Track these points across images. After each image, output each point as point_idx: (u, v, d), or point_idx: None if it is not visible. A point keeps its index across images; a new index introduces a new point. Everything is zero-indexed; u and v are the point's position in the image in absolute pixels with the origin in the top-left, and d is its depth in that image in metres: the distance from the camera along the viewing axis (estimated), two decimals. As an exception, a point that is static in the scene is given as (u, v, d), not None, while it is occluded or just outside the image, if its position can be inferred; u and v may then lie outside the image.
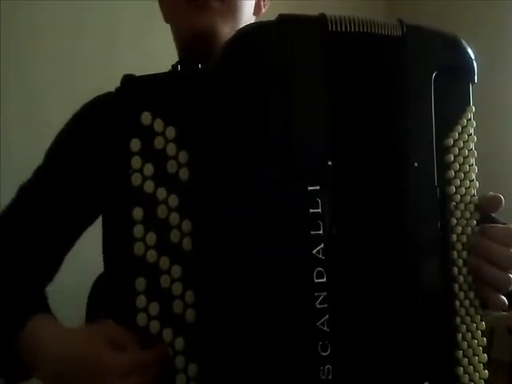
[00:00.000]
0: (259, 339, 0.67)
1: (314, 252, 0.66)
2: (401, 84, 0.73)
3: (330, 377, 0.65)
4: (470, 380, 0.76)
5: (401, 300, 0.72)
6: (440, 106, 0.74)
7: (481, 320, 0.76)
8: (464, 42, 0.77)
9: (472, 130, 0.77)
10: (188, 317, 0.67)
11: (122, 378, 0.63)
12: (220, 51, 0.71)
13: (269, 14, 0.70)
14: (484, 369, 0.76)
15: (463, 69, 0.77)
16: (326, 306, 0.66)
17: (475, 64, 0.77)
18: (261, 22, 0.70)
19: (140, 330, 0.64)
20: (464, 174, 0.76)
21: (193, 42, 0.87)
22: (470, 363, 0.76)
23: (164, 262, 0.66)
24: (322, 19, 0.70)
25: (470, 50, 0.77)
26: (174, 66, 0.72)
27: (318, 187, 0.67)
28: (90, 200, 0.88)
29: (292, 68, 0.68)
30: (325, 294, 0.66)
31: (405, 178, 0.72)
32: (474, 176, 0.77)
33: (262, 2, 0.97)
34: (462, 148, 0.76)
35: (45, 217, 0.86)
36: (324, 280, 0.66)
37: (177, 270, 0.66)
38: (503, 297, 0.75)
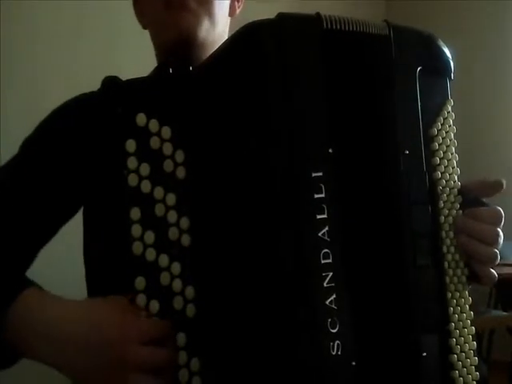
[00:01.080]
0: (264, 328, 0.68)
1: (319, 234, 0.69)
2: (390, 78, 0.78)
3: (339, 352, 0.68)
4: (462, 351, 0.80)
5: (397, 274, 0.76)
6: (423, 99, 0.80)
7: (468, 296, 0.82)
8: (441, 42, 0.84)
9: (451, 122, 0.83)
10: (188, 312, 0.68)
11: (145, 347, 0.64)
12: (220, 49, 0.73)
13: (269, 14, 0.71)
14: (472, 340, 0.82)
15: (442, 66, 0.83)
16: (332, 284, 0.69)
17: (452, 62, 0.84)
18: (261, 20, 0.71)
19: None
20: (447, 161, 0.82)
21: (174, 45, 0.86)
22: (460, 335, 0.80)
23: (163, 259, 0.67)
24: (317, 18, 0.73)
25: (447, 50, 0.84)
26: (161, 67, 0.72)
27: (320, 173, 0.70)
28: (66, 194, 0.85)
29: (291, 62, 0.71)
30: (331, 273, 0.69)
31: (398, 164, 0.77)
32: (455, 163, 0.82)
33: (236, 4, 0.97)
34: (445, 137, 0.82)
35: (17, 210, 0.82)
36: (330, 260, 0.69)
37: (176, 267, 0.68)
38: (493, 270, 0.81)
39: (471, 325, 0.82)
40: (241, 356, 0.69)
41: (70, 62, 2.79)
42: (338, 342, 0.68)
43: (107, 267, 0.70)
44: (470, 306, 0.82)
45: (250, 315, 0.69)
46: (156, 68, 0.72)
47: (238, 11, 0.98)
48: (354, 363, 0.69)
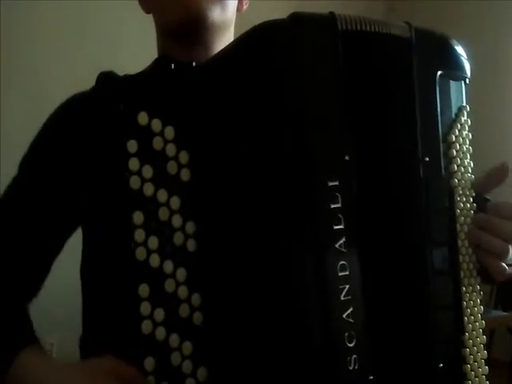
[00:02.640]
0: (275, 338, 0.66)
1: (336, 246, 0.66)
2: (410, 83, 0.75)
3: (356, 367, 0.66)
4: (474, 361, 0.80)
5: (415, 285, 0.74)
6: (441, 104, 0.78)
7: (480, 304, 0.81)
8: (459, 46, 0.82)
9: (468, 128, 0.82)
10: (195, 320, 0.65)
11: None
12: (230, 47, 0.71)
13: (270, 14, 0.69)
14: (484, 349, 0.81)
15: (460, 71, 0.82)
16: (349, 297, 0.66)
17: (469, 67, 0.82)
18: (274, 19, 0.68)
19: (144, 339, 0.62)
20: (463, 168, 0.80)
21: (181, 26, 0.83)
22: (473, 345, 0.80)
23: (168, 265, 0.64)
24: (331, 18, 0.70)
25: (464, 54, 0.82)
26: (161, 61, 0.69)
27: (337, 182, 0.67)
28: (76, 204, 0.82)
29: (306, 65, 0.68)
30: (348, 286, 0.66)
31: (417, 171, 0.75)
32: (470, 170, 0.81)
33: (243, 0, 0.95)
34: (462, 144, 0.80)
35: (27, 226, 0.81)
36: (347, 273, 0.66)
37: (182, 273, 0.65)
38: (504, 264, 0.79)
39: (483, 334, 0.81)
40: (250, 367, 0.66)
41: (70, 62, 2.78)
42: (354, 356, 0.66)
43: (108, 275, 0.67)
44: (481, 315, 0.81)
45: (260, 324, 0.66)
46: (155, 61, 0.69)
47: (245, 7, 0.95)
48: (371, 377, 0.67)
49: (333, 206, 0.66)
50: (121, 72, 0.69)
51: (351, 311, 0.66)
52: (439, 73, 0.78)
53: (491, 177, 0.82)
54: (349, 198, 0.67)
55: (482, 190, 0.82)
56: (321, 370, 0.65)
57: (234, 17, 0.91)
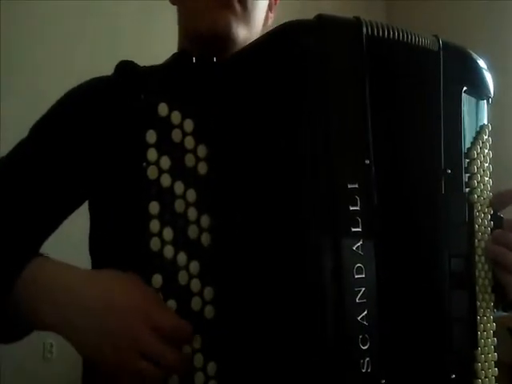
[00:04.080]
0: (288, 336, 0.65)
1: (354, 248, 0.66)
2: (437, 94, 0.75)
3: (369, 369, 0.65)
4: (485, 377, 0.80)
5: (431, 293, 0.74)
6: (465, 119, 0.79)
7: (493, 322, 0.83)
8: (485, 64, 0.83)
9: (489, 146, 0.82)
10: (207, 314, 0.65)
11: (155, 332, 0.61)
12: (255, 45, 0.71)
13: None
14: (495, 366, 0.81)
15: (484, 88, 0.83)
16: (364, 300, 0.66)
17: (492, 86, 0.83)
18: (300, 20, 0.69)
19: None
20: (483, 185, 0.81)
21: (206, 38, 0.84)
22: (485, 360, 0.80)
23: (182, 257, 0.64)
24: (357, 22, 0.71)
25: (488, 72, 0.83)
26: (181, 55, 0.69)
27: (356, 185, 0.67)
28: (78, 182, 0.80)
29: (330, 67, 0.68)
30: (363, 289, 0.66)
31: (439, 182, 0.74)
32: (489, 187, 0.82)
33: (269, 15, 0.96)
34: (482, 161, 0.81)
35: (27, 193, 0.78)
36: (363, 276, 0.66)
37: (195, 266, 0.65)
38: None
39: (495, 351, 0.81)
40: (261, 364, 0.65)
41: (71, 62, 2.80)
42: (368, 358, 0.65)
43: (119, 264, 0.66)
44: (494, 332, 0.81)
45: (273, 321, 0.66)
46: (175, 54, 0.69)
47: (270, 21, 0.96)
48: (383, 381, 0.67)
49: (352, 209, 0.66)
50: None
51: (366, 314, 0.66)
52: (464, 88, 0.78)
53: (504, 196, 0.82)
54: (368, 201, 0.67)
55: (495, 207, 0.82)
56: (333, 371, 0.64)
57: (259, 32, 0.91)
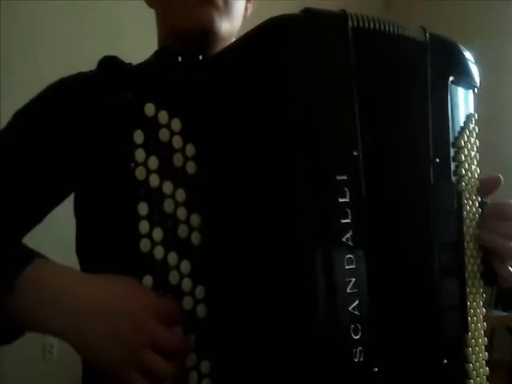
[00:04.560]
0: (280, 331, 0.65)
1: (343, 239, 0.66)
2: (424, 84, 0.76)
3: (361, 359, 0.66)
4: (476, 361, 0.80)
5: (422, 280, 0.74)
6: (452, 109, 0.79)
7: (482, 306, 0.82)
8: (470, 54, 0.83)
9: (475, 135, 0.83)
10: (199, 313, 0.65)
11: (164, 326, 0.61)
12: (242, 41, 0.70)
13: (270, 13, 0.68)
14: (485, 351, 0.82)
15: (470, 78, 0.83)
16: (355, 290, 0.66)
17: (478, 76, 0.84)
18: (286, 14, 0.69)
19: None
20: (470, 173, 0.81)
21: (190, 35, 0.83)
22: (475, 345, 0.80)
23: (172, 257, 0.64)
24: (343, 15, 0.71)
25: (474, 63, 0.84)
26: (164, 53, 0.69)
27: (345, 177, 0.67)
28: (59, 177, 0.79)
29: (317, 60, 0.68)
30: (354, 279, 0.66)
31: (428, 171, 0.75)
32: (477, 176, 0.82)
33: (248, 4, 0.95)
34: (470, 150, 0.81)
35: (8, 188, 0.76)
36: (353, 266, 0.67)
37: (186, 266, 0.65)
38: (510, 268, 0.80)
39: (484, 335, 0.81)
40: (254, 360, 0.66)
41: (71, 62, 2.78)
42: (360, 348, 0.66)
43: (108, 266, 0.66)
44: (483, 317, 0.82)
45: (265, 317, 0.66)
46: (158, 51, 0.68)
47: (249, 12, 0.96)
48: (375, 369, 0.67)
49: (341, 200, 0.67)
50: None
51: (357, 304, 0.66)
52: (451, 78, 0.79)
53: (487, 183, 0.83)
54: (357, 192, 0.68)
55: (480, 194, 0.83)
56: (326, 361, 0.65)
57: (240, 24, 0.91)
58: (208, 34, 0.82)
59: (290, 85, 0.67)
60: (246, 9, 0.94)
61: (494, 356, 2.95)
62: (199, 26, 0.82)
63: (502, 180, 0.83)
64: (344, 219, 0.67)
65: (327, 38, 0.69)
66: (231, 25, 0.85)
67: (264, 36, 0.68)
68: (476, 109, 0.84)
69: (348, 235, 0.67)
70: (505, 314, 3.03)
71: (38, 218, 0.81)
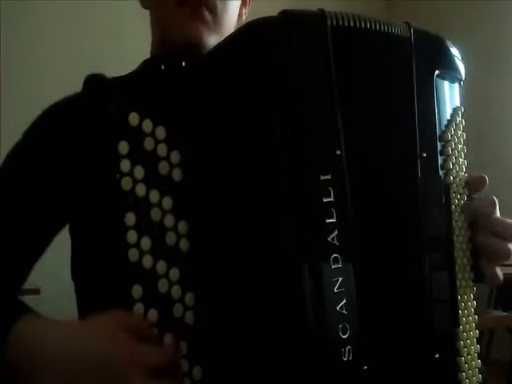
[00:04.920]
0: (270, 334, 0.66)
1: (329, 239, 0.67)
2: (409, 80, 0.76)
3: (350, 358, 0.66)
4: (468, 354, 0.80)
5: (411, 276, 0.75)
6: (438, 103, 0.79)
7: (473, 299, 0.82)
8: (455, 48, 0.83)
9: (462, 128, 0.83)
10: (189, 319, 0.65)
11: (152, 375, 0.59)
12: (222, 46, 0.71)
13: (269, 13, 0.69)
14: (476, 343, 0.82)
15: (456, 71, 0.83)
16: (342, 289, 0.67)
17: (464, 69, 0.84)
18: (265, 17, 0.69)
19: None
20: (458, 167, 0.81)
21: (178, 47, 0.82)
22: (467, 338, 0.80)
23: (161, 266, 0.64)
24: (321, 14, 0.71)
25: (459, 55, 0.84)
26: (150, 62, 0.69)
27: (329, 176, 0.67)
28: (57, 203, 0.80)
29: (297, 61, 0.69)
30: (341, 278, 0.67)
31: (415, 166, 0.75)
32: (464, 169, 0.82)
33: (243, 10, 0.94)
34: (456, 143, 0.81)
35: (9, 222, 0.78)
36: (340, 265, 0.67)
37: (175, 273, 0.65)
38: (499, 270, 0.81)
39: (476, 328, 0.82)
40: (245, 363, 0.66)
41: (71, 62, 2.77)
42: (349, 347, 0.66)
43: (101, 277, 0.66)
44: (474, 310, 0.82)
45: (255, 321, 0.66)
46: (145, 62, 0.69)
47: (244, 18, 0.95)
48: (365, 367, 0.68)
49: (325, 200, 0.67)
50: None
51: (344, 303, 0.67)
52: (436, 72, 0.79)
53: (475, 182, 0.83)
54: (341, 192, 0.68)
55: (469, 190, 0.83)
56: (315, 361, 0.65)
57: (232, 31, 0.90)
58: (195, 48, 0.82)
59: (269, 88, 0.68)
60: (240, 15, 0.93)
61: (494, 356, 2.95)
62: (187, 40, 0.82)
63: (487, 180, 0.83)
64: (329, 219, 0.67)
65: (305, 38, 0.70)
66: (221, 37, 0.84)
67: (242, 40, 0.69)
68: (475, 103, 0.84)
69: (333, 235, 0.67)
70: (505, 314, 3.04)
71: (41, 250, 0.82)
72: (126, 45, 2.85)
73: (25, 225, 0.79)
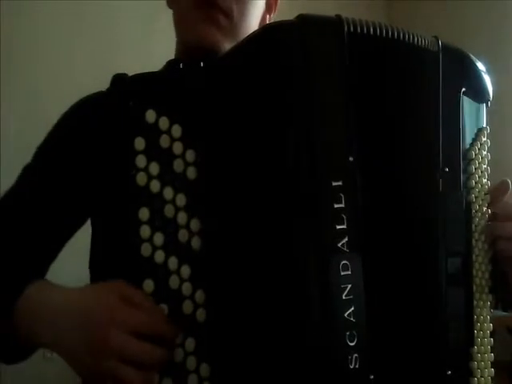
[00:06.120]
0: (278, 337, 0.66)
1: (339, 245, 0.66)
2: (434, 93, 0.76)
3: (357, 366, 0.66)
4: (481, 376, 0.80)
5: (426, 290, 0.74)
6: (463, 120, 0.79)
7: (490, 322, 0.81)
8: (483, 67, 0.83)
9: (487, 148, 0.83)
10: (198, 317, 0.66)
11: (131, 336, 0.60)
12: (238, 47, 0.71)
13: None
14: (491, 367, 0.81)
15: (483, 91, 0.83)
16: (351, 297, 0.66)
17: (491, 90, 0.84)
18: (282, 21, 0.70)
19: None
20: (481, 186, 0.81)
21: (194, 50, 0.84)
22: (481, 360, 0.80)
23: (172, 262, 0.65)
24: (338, 20, 0.71)
25: (487, 76, 0.84)
26: (172, 63, 0.70)
27: (340, 183, 0.67)
28: (84, 200, 0.83)
29: (313, 66, 0.69)
30: (350, 285, 0.66)
31: (436, 179, 0.74)
32: (487, 188, 0.82)
33: (267, 17, 0.94)
34: (480, 162, 0.81)
35: (36, 216, 0.81)
36: (349, 272, 0.67)
37: (186, 270, 0.65)
38: None
39: (491, 351, 0.81)
40: (253, 364, 0.66)
41: (71, 62, 2.79)
42: (355, 355, 0.66)
43: (113, 270, 0.67)
44: (491, 333, 0.81)
45: (264, 322, 0.66)
46: (168, 63, 0.70)
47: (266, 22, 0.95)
48: (371, 377, 0.67)
49: (336, 206, 0.67)
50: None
51: (353, 310, 0.66)
52: (463, 90, 0.78)
53: (499, 188, 0.82)
54: (352, 198, 0.68)
55: (493, 201, 0.82)
56: (322, 368, 0.65)
57: None
58: (210, 51, 0.83)
59: (284, 92, 0.68)
60: (263, 20, 0.92)
61: (494, 356, 2.96)
62: (201, 43, 0.83)
63: (510, 184, 0.82)
64: (340, 225, 0.67)
65: (322, 44, 0.70)
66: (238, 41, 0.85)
67: (258, 44, 0.70)
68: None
69: (344, 241, 0.67)
70: (505, 314, 3.03)
71: (60, 245, 0.85)
72: (127, 44, 2.87)
73: (48, 217, 0.82)
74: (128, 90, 0.65)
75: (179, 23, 0.88)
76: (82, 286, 0.70)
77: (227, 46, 0.83)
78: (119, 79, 0.66)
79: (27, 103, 2.64)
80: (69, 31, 2.89)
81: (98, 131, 0.75)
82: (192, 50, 0.84)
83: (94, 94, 0.88)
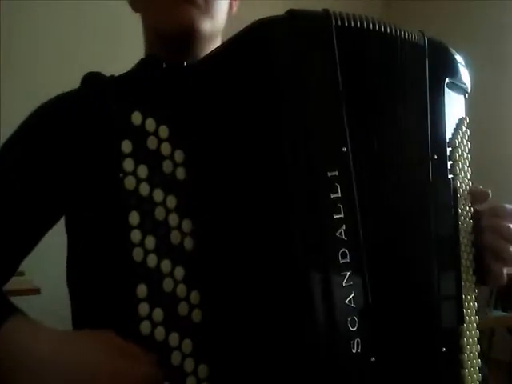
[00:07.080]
0: (278, 329, 0.66)
1: (337, 234, 0.67)
2: (421, 84, 0.78)
3: (359, 350, 0.67)
4: (470, 352, 0.82)
5: (421, 274, 0.76)
6: (446, 110, 0.81)
7: (475, 301, 0.85)
8: (463, 60, 0.86)
9: (467, 138, 0.86)
10: (194, 318, 0.65)
11: None
12: (225, 45, 0.71)
13: (268, 13, 0.69)
14: (478, 343, 0.84)
15: (463, 82, 0.86)
16: (351, 283, 0.67)
17: (470, 82, 0.87)
18: (270, 16, 0.69)
19: (144, 339, 0.62)
20: (463, 172, 0.84)
21: (173, 36, 0.83)
22: (469, 336, 0.83)
23: (166, 264, 0.64)
24: (326, 14, 0.71)
25: (465, 68, 0.87)
26: (147, 61, 0.69)
27: (336, 173, 0.68)
28: (49, 199, 0.80)
29: (302, 60, 0.69)
30: (349, 272, 0.67)
31: (426, 166, 0.76)
32: (469, 176, 0.85)
33: (233, 2, 0.95)
34: (463, 150, 0.84)
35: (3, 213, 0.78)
36: (348, 260, 0.67)
37: (180, 272, 0.65)
38: (505, 269, 0.84)
39: (477, 328, 0.84)
40: (252, 361, 0.66)
41: (70, 62, 2.78)
42: (357, 339, 0.67)
43: (102, 278, 0.66)
44: (476, 311, 0.84)
45: (261, 318, 0.66)
46: (142, 60, 0.68)
47: (234, 9, 0.96)
48: (373, 359, 0.68)
49: (333, 196, 0.67)
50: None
51: (353, 296, 0.67)
52: (447, 80, 0.81)
53: (478, 195, 0.85)
54: (348, 188, 0.68)
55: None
56: (324, 353, 0.66)
57: (224, 23, 0.91)
58: (190, 33, 0.82)
59: (275, 87, 0.67)
60: (231, 6, 0.93)
61: (494, 356, 2.95)
62: (180, 25, 0.82)
63: (490, 195, 0.86)
64: (337, 214, 0.67)
65: (310, 38, 0.70)
66: (213, 24, 0.85)
67: (246, 40, 0.69)
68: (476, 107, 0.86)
69: (341, 229, 0.67)
70: (505, 314, 3.04)
71: (33, 243, 0.82)
72: (125, 44, 2.85)
73: (16, 219, 0.79)
74: (111, 92, 0.64)
75: (150, 11, 0.87)
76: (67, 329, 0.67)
77: (205, 26, 0.83)
78: (94, 78, 0.65)
79: (27, 103, 2.63)
80: (69, 31, 2.87)
81: (77, 132, 0.74)
82: (168, 36, 0.83)
83: (65, 93, 0.85)
